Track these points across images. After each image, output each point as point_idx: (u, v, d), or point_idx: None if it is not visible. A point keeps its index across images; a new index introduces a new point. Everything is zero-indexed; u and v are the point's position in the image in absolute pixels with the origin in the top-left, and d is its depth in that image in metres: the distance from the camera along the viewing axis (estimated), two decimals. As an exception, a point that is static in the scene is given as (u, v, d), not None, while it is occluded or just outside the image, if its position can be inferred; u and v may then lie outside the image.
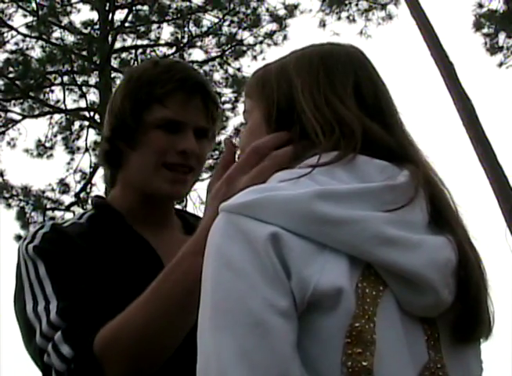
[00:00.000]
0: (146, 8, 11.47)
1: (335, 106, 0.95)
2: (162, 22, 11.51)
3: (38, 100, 11.07)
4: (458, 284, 0.88)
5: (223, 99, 11.13)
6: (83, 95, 11.23)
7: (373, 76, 1.02)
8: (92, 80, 11.28)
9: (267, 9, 11.69)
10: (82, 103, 11.30)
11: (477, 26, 11.72)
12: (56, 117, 11.56)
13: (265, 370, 0.76)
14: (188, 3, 11.46)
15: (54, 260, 1.25)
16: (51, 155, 11.44)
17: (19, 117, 11.14)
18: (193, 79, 1.37)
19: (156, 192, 1.36)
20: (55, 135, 11.55)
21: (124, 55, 11.65)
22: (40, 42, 11.10)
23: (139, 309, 1.12)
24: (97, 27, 11.35)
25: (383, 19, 12.83)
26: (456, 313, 0.89)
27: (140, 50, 11.62)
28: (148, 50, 11.62)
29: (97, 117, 10.74)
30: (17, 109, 11.10)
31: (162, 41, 11.65)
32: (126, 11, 11.42)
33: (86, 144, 11.40)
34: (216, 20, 11.54)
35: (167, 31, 11.93)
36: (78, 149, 11.53)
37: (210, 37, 11.54)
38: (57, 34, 11.22)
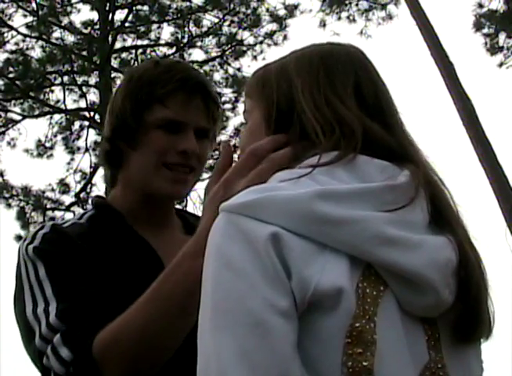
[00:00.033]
0: (146, 8, 11.47)
1: (335, 106, 0.95)
2: (162, 22, 11.51)
3: (38, 100, 11.07)
4: (458, 284, 0.88)
5: (223, 99, 11.13)
6: (83, 95, 11.23)
7: (374, 76, 1.02)
8: (92, 80, 11.28)
9: (267, 9, 11.69)
10: (82, 103, 11.32)
11: (478, 26, 11.72)
12: (56, 117, 11.57)
13: (265, 370, 0.76)
14: (188, 3, 11.45)
15: (54, 261, 1.25)
16: (51, 155, 11.44)
17: (19, 117, 11.15)
18: (194, 79, 1.37)
19: (156, 192, 1.36)
20: (56, 135, 11.56)
21: (124, 55, 11.65)
22: (40, 42, 11.10)
23: (139, 310, 1.12)
24: (97, 27, 11.35)
25: (383, 19, 12.83)
26: (456, 313, 0.89)
27: (140, 50, 11.62)
28: (148, 50, 11.61)
29: (97, 117, 10.74)
30: (17, 109, 11.12)
31: (162, 41, 11.66)
32: (126, 11, 11.42)
33: (86, 144, 11.41)
34: (216, 20, 11.55)
35: (167, 31, 11.95)
36: (78, 149, 11.54)
37: (210, 37, 11.54)
38: (57, 34, 11.23)
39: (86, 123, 11.41)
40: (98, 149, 10.50)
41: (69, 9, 11.49)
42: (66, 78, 11.21)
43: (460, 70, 9.46)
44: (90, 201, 1.88)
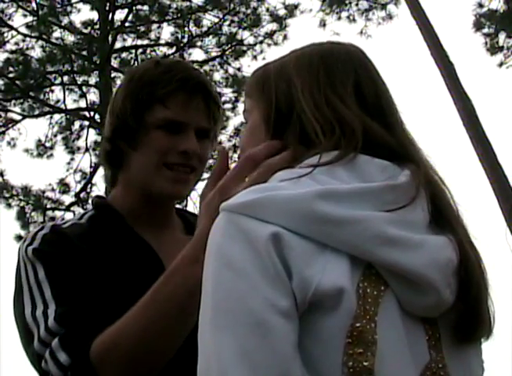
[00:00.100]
0: (146, 8, 11.46)
1: (335, 106, 0.95)
2: (162, 22, 11.51)
3: (38, 100, 11.08)
4: (459, 284, 0.88)
5: (223, 99, 11.12)
6: (83, 95, 11.23)
7: (374, 75, 1.02)
8: (92, 80, 11.28)
9: (267, 9, 11.69)
10: (82, 103, 11.32)
11: (478, 26, 11.72)
12: (56, 117, 11.58)
13: (266, 370, 0.76)
14: (188, 3, 11.45)
15: (53, 263, 1.25)
16: (51, 155, 11.44)
17: (19, 117, 11.15)
18: (195, 79, 1.36)
19: (157, 192, 1.36)
20: (56, 135, 11.56)
21: (124, 55, 11.65)
22: (40, 42, 11.10)
23: (137, 315, 1.12)
24: (97, 26, 11.35)
25: (383, 19, 12.83)
26: (457, 313, 0.88)
27: (140, 50, 11.62)
28: (148, 50, 11.61)
29: (97, 117, 10.74)
30: (17, 109, 11.12)
31: (162, 41, 11.66)
32: (126, 11, 11.42)
33: (86, 144, 11.41)
34: (216, 20, 11.54)
35: (167, 31, 11.95)
36: (78, 149, 11.54)
37: (210, 37, 11.54)
38: (57, 33, 11.23)
39: (86, 123, 11.41)
40: (98, 149, 10.51)
41: (69, 8, 11.49)
42: (66, 78, 11.21)
43: (460, 70, 9.48)
44: (90, 201, 1.88)
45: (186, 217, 1.50)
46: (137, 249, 1.35)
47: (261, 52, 11.63)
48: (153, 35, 11.58)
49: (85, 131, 11.51)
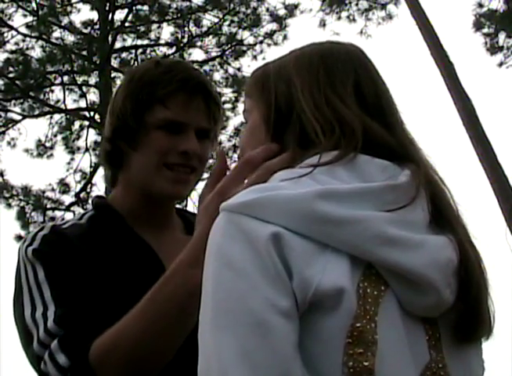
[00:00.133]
0: (146, 8, 11.46)
1: (335, 106, 0.95)
2: (162, 22, 11.50)
3: (38, 100, 11.07)
4: (459, 284, 0.88)
5: (223, 98, 11.12)
6: (83, 95, 11.23)
7: (374, 75, 1.02)
8: (92, 80, 11.28)
9: (267, 9, 11.69)
10: (82, 103, 11.32)
11: (478, 26, 11.73)
12: (56, 117, 11.58)
13: (267, 370, 0.76)
14: (188, 3, 11.45)
15: (53, 264, 1.25)
16: (51, 155, 11.45)
17: (19, 117, 11.15)
18: (195, 79, 1.36)
19: (157, 192, 1.36)
20: (56, 135, 11.56)
21: (124, 55, 11.65)
22: (40, 42, 11.10)
23: (136, 315, 1.12)
24: (97, 26, 11.35)
25: (383, 19, 12.83)
26: (457, 313, 0.88)
27: (140, 50, 11.62)
28: (148, 50, 11.61)
29: (97, 117, 10.74)
30: (17, 109, 11.12)
31: (162, 41, 11.65)
32: (126, 11, 11.42)
33: (86, 144, 11.41)
34: (216, 20, 11.54)
35: (167, 31, 11.94)
36: (78, 149, 11.54)
37: (210, 37, 11.53)
38: (57, 33, 11.23)
39: (86, 123, 11.41)
40: (98, 149, 10.51)
41: (69, 8, 11.49)
42: (66, 78, 11.21)
43: (460, 70, 9.48)
44: (90, 201, 1.88)
45: (186, 217, 1.50)
46: (137, 250, 1.34)
47: (261, 52, 11.64)
48: (152, 35, 11.58)
49: (85, 131, 11.53)
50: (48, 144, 11.44)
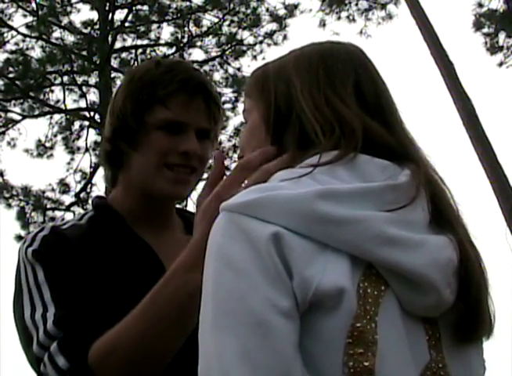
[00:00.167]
0: (146, 8, 11.46)
1: (335, 105, 0.94)
2: (162, 22, 11.50)
3: (38, 100, 11.07)
4: (459, 284, 0.88)
5: (223, 98, 11.12)
6: (83, 95, 11.23)
7: (373, 74, 1.01)
8: (92, 80, 11.28)
9: (267, 9, 11.69)
10: (82, 103, 11.33)
11: (477, 25, 11.73)
12: (56, 117, 11.58)
13: (267, 370, 0.76)
14: (188, 3, 11.45)
15: (53, 265, 1.25)
16: (51, 155, 11.45)
17: (19, 117, 11.15)
18: (195, 80, 1.36)
19: (157, 192, 1.36)
20: (56, 135, 11.56)
21: (124, 55, 11.65)
22: (40, 42, 11.10)
23: (135, 317, 1.11)
24: (97, 26, 11.35)
25: (383, 19, 12.83)
26: (457, 313, 0.88)
27: (140, 50, 11.62)
28: (148, 50, 11.61)
29: (97, 117, 10.74)
30: (17, 109, 11.12)
31: (162, 41, 11.65)
32: (126, 11, 11.42)
33: (86, 144, 11.41)
34: (216, 20, 11.54)
35: (167, 31, 11.95)
36: (78, 149, 11.54)
37: (210, 37, 11.53)
38: (57, 34, 11.23)
39: (86, 123, 11.42)
40: (98, 149, 10.51)
41: (69, 8, 11.49)
42: (66, 78, 11.21)
43: (460, 70, 9.47)
44: (90, 202, 1.88)
45: (186, 217, 1.50)
46: (137, 250, 1.34)
47: (261, 52, 11.64)
48: (152, 35, 11.59)
49: (85, 131, 11.53)
50: (48, 144, 11.45)
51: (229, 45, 11.62)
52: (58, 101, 11.26)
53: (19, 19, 12.14)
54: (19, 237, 10.32)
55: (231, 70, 11.63)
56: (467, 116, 9.07)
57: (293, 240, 0.82)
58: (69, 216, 10.47)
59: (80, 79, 11.25)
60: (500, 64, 11.87)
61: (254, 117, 1.03)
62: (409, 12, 10.29)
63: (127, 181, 1.40)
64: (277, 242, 0.81)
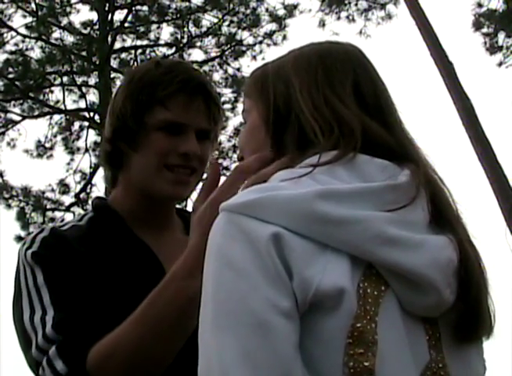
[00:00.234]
0: (145, 8, 11.46)
1: (334, 106, 0.94)
2: (162, 22, 11.50)
3: (38, 101, 11.07)
4: (459, 284, 0.88)
5: (223, 99, 11.12)
6: (83, 96, 11.23)
7: (373, 74, 1.01)
8: (92, 80, 11.28)
9: (266, 9, 11.69)
10: (82, 104, 11.32)
11: (477, 25, 11.73)
12: (56, 117, 11.58)
13: (268, 370, 0.76)
14: (187, 3, 11.45)
15: (52, 268, 1.24)
16: (51, 155, 11.45)
17: (19, 118, 11.15)
18: (195, 80, 1.36)
19: (157, 193, 1.36)
20: (55, 136, 11.56)
21: (123, 55, 11.65)
22: (39, 43, 11.10)
23: (134, 322, 1.11)
24: (96, 27, 11.35)
25: (382, 19, 12.83)
26: (457, 313, 0.88)
27: (140, 50, 11.62)
28: (148, 50, 11.61)
29: (97, 117, 10.74)
30: (17, 109, 11.12)
31: (162, 42, 11.66)
32: (126, 11, 11.42)
33: (86, 144, 11.41)
34: (215, 20, 11.54)
35: (166, 31, 11.94)
36: (78, 149, 11.54)
37: (210, 37, 11.53)
38: (57, 34, 11.23)
39: (86, 123, 11.42)
40: (98, 149, 10.51)
41: (68, 9, 11.49)
42: (65, 79, 11.21)
43: (460, 70, 9.47)
44: (90, 203, 1.88)
45: (186, 217, 1.50)
46: (136, 252, 1.34)
47: (261, 52, 11.64)
48: (152, 36, 11.59)
49: (85, 131, 11.53)
50: (47, 145, 11.45)
51: (229, 46, 11.62)
52: (57, 101, 11.27)
53: (19, 20, 12.14)
54: (19, 238, 10.32)
55: (230, 71, 11.65)
56: (467, 116, 9.07)
57: (293, 240, 0.82)
58: (69, 217, 10.48)
59: (79, 79, 11.26)
60: (500, 64, 11.87)
61: (253, 118, 1.03)
62: (409, 12, 10.29)
63: (127, 181, 1.40)
64: (277, 242, 0.81)
